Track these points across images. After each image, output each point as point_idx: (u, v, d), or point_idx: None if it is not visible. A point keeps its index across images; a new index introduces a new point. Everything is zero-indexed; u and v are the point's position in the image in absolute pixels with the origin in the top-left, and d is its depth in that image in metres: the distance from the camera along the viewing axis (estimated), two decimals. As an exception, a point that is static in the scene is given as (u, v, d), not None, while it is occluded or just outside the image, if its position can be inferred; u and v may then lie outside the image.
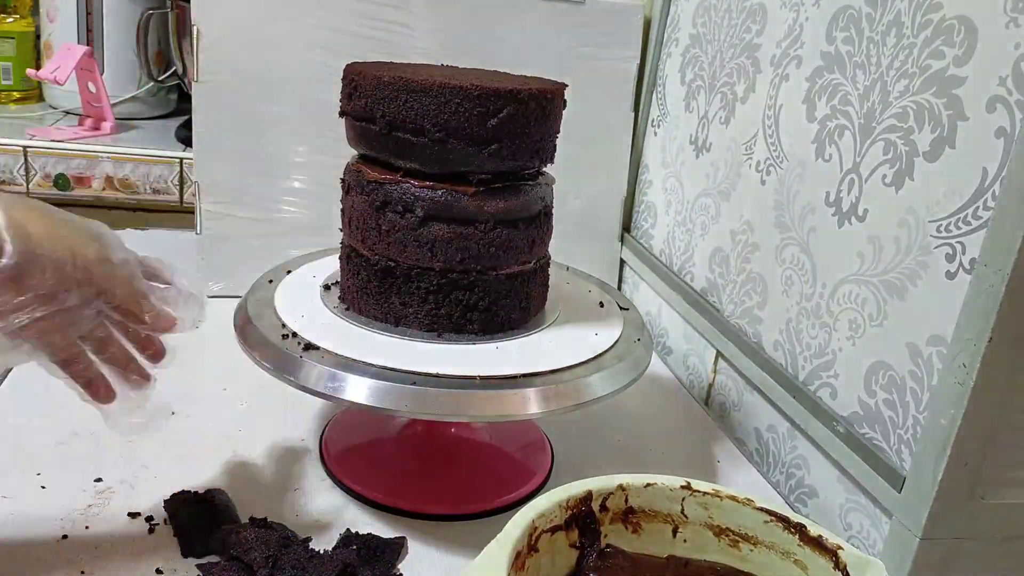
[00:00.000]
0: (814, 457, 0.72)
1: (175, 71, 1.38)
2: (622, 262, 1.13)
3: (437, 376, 0.57)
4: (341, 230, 0.67)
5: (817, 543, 0.49)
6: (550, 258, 0.70)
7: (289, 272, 0.72)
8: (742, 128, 0.85)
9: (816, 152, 0.72)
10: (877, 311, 0.64)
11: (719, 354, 0.88)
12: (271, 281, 0.70)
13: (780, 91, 0.78)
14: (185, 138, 1.29)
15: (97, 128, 1.31)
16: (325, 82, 0.94)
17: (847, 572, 0.47)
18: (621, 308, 0.72)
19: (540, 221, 0.65)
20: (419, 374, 0.57)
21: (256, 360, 0.60)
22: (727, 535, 0.51)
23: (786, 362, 0.75)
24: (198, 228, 0.96)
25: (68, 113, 1.38)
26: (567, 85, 0.65)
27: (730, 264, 0.86)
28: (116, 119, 1.32)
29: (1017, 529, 0.59)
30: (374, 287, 0.63)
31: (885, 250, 0.63)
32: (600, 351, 0.63)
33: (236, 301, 0.67)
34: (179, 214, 1.25)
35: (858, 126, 0.66)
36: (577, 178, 1.03)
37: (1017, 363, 0.53)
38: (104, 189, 1.21)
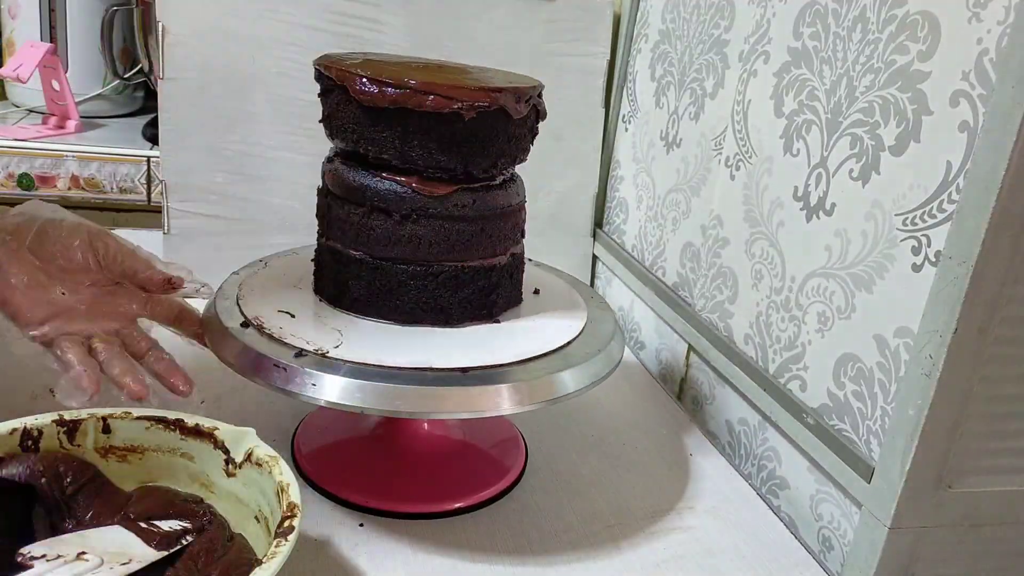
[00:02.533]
0: (785, 449, 0.73)
1: (141, 68, 1.36)
2: (594, 258, 1.13)
3: (403, 370, 0.57)
4: (320, 232, 0.67)
5: (195, 432, 0.56)
6: (523, 253, 0.70)
7: (259, 269, 0.72)
8: (711, 123, 0.85)
9: (784, 147, 0.72)
10: (845, 304, 0.65)
11: (691, 348, 0.88)
12: (239, 279, 0.69)
13: (748, 86, 0.78)
14: (152, 136, 1.28)
15: (62, 127, 1.29)
16: (294, 79, 0.93)
17: (226, 447, 0.55)
18: (593, 303, 0.72)
19: (514, 215, 0.65)
20: (388, 370, 0.57)
21: (220, 357, 0.59)
22: (114, 453, 0.57)
23: (756, 355, 0.76)
24: (165, 227, 0.94)
25: (32, 112, 1.36)
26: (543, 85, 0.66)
27: (701, 259, 0.86)
28: (81, 117, 1.30)
29: (983, 516, 0.60)
30: (349, 283, 0.63)
31: (852, 243, 0.64)
32: (573, 347, 0.63)
33: (205, 301, 0.66)
34: (147, 213, 1.23)
35: (825, 121, 0.67)
36: (548, 174, 1.04)
37: (982, 354, 0.54)
38: (70, 188, 1.20)
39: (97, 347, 0.56)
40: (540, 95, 0.65)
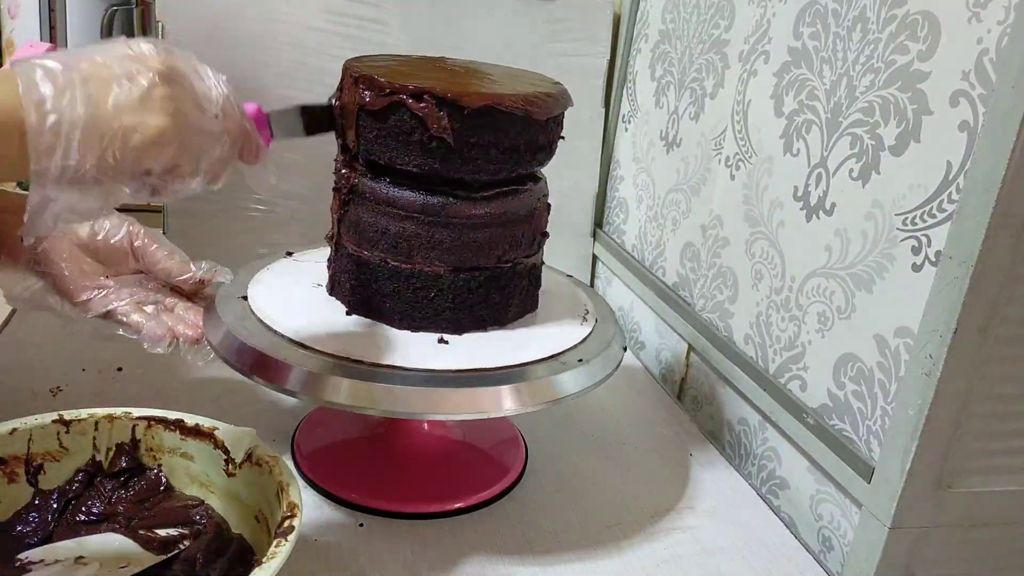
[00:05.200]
0: (785, 449, 0.73)
1: (141, 68, 1.36)
2: (595, 258, 1.13)
3: (405, 370, 0.57)
4: (328, 235, 0.67)
5: (195, 432, 0.56)
6: (536, 258, 0.69)
7: (260, 269, 0.72)
8: (711, 123, 0.85)
9: (784, 147, 0.72)
10: (845, 304, 0.65)
11: (691, 348, 0.88)
12: (241, 279, 0.69)
13: (748, 86, 0.78)
14: (152, 136, 1.27)
15: (61, 126, 1.29)
16: (294, 79, 0.93)
17: (226, 447, 0.55)
18: (594, 304, 0.72)
19: (530, 221, 0.65)
20: (391, 371, 0.57)
21: (221, 356, 0.59)
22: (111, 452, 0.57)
23: (756, 355, 0.76)
24: (165, 227, 0.94)
25: (31, 111, 1.36)
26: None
27: (701, 259, 0.86)
28: (81, 117, 1.30)
29: (983, 517, 0.60)
30: (356, 283, 0.63)
31: (852, 243, 0.64)
32: (573, 347, 0.63)
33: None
34: (146, 213, 1.23)
35: (825, 121, 0.67)
36: (549, 174, 1.03)
37: (982, 354, 0.54)
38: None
39: (147, 309, 0.62)
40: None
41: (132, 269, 0.64)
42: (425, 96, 0.56)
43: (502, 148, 0.59)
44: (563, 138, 0.65)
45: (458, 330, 0.63)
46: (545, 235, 0.68)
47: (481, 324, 0.64)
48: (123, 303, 0.61)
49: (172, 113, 0.43)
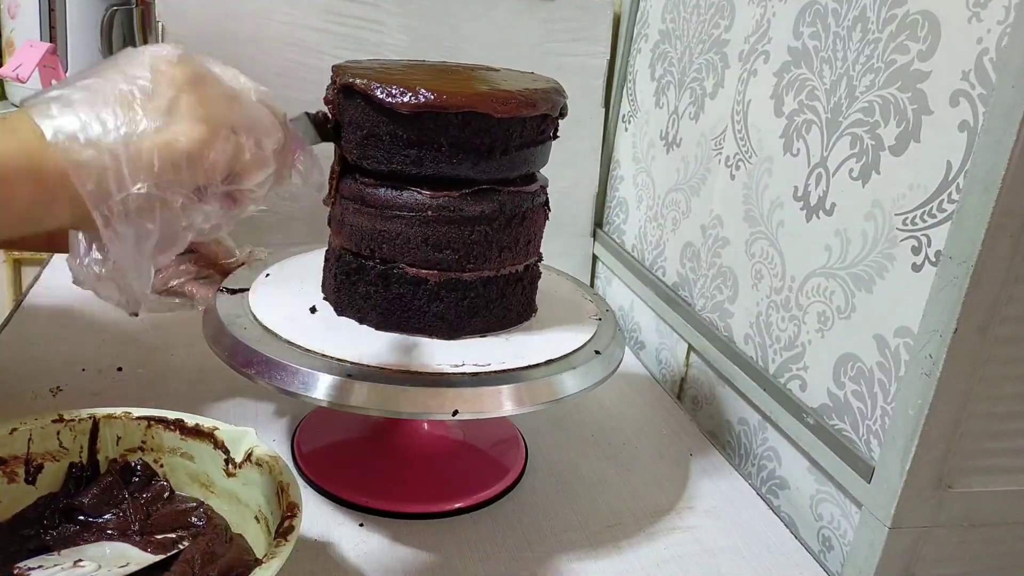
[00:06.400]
0: (785, 449, 0.73)
1: (141, 68, 1.36)
2: (594, 258, 1.13)
3: (406, 372, 0.57)
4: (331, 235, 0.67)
5: (196, 432, 0.56)
6: (537, 261, 0.69)
7: (261, 270, 0.72)
8: (711, 123, 0.85)
9: (784, 147, 0.72)
10: (845, 304, 0.65)
11: (691, 348, 0.88)
12: (243, 278, 0.69)
13: (748, 86, 0.78)
14: (152, 136, 1.27)
15: (61, 126, 1.29)
16: (293, 79, 0.93)
17: (226, 447, 0.55)
18: (593, 304, 0.72)
19: (527, 223, 0.65)
20: (385, 370, 0.57)
21: (220, 356, 0.59)
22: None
23: (756, 355, 0.76)
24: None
25: (31, 111, 1.36)
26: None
27: (701, 258, 0.86)
28: (81, 117, 1.30)
29: (983, 517, 0.60)
30: (352, 286, 0.63)
31: (852, 243, 0.64)
32: (573, 348, 0.63)
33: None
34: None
35: (825, 121, 0.67)
36: (549, 174, 1.03)
37: (982, 354, 0.54)
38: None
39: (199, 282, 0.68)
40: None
41: (184, 249, 0.68)
42: (356, 83, 0.57)
43: (436, 146, 0.58)
44: (545, 142, 0.63)
45: (455, 335, 0.63)
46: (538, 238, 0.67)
47: (479, 328, 0.64)
48: (181, 280, 0.66)
49: (204, 118, 0.42)
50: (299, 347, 0.58)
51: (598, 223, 1.12)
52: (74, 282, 0.45)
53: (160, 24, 0.89)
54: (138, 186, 0.39)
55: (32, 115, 0.38)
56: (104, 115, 0.39)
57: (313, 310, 0.65)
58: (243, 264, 0.70)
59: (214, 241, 0.68)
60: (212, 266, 0.69)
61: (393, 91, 0.56)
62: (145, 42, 1.29)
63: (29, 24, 1.31)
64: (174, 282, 0.66)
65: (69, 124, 0.38)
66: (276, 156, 0.46)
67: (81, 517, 0.55)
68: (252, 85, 0.47)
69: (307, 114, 0.58)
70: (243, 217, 0.47)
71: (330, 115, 0.61)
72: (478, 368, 0.58)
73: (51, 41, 1.31)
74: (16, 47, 1.32)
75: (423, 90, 0.56)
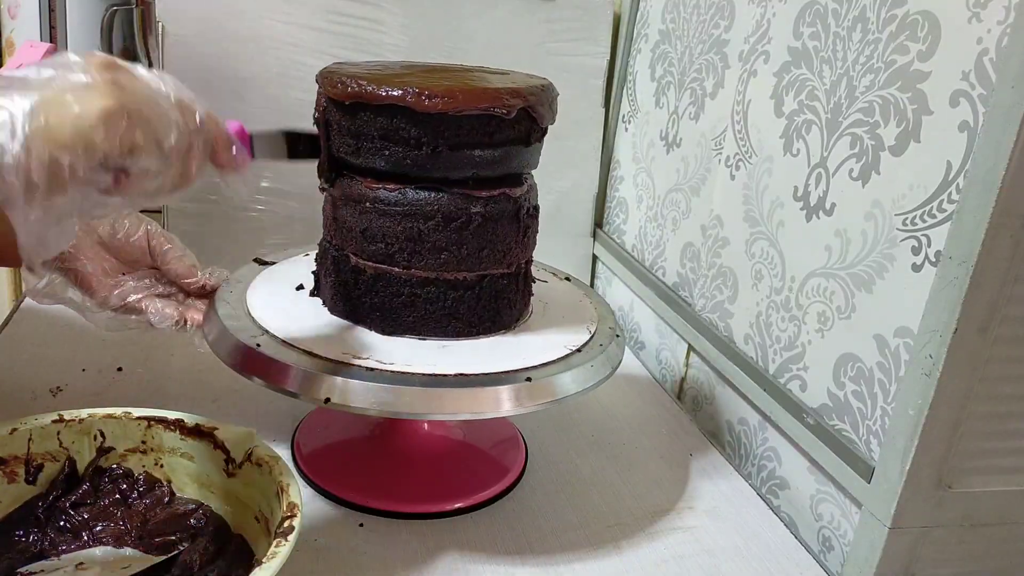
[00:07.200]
0: (785, 449, 0.73)
1: (141, 68, 1.36)
2: (594, 258, 1.13)
3: (405, 374, 0.57)
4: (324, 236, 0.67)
5: (196, 432, 0.56)
6: (531, 260, 0.69)
7: (261, 270, 0.72)
8: (711, 123, 0.85)
9: (784, 147, 0.72)
10: (845, 304, 0.65)
11: (691, 348, 0.88)
12: (239, 281, 0.69)
13: (748, 86, 0.78)
14: (152, 136, 1.27)
15: (61, 126, 1.29)
16: (293, 78, 0.93)
17: (226, 447, 0.55)
18: (594, 304, 0.72)
19: (522, 224, 0.65)
20: (390, 372, 0.56)
21: (220, 356, 0.59)
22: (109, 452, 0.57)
23: (756, 355, 0.76)
24: (165, 228, 0.94)
25: (31, 111, 1.36)
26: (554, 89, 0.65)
27: (701, 259, 0.86)
28: (81, 117, 1.30)
29: (983, 516, 0.60)
30: (362, 292, 0.63)
31: (852, 243, 0.64)
32: (573, 348, 0.63)
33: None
34: (146, 213, 1.23)
35: (825, 121, 0.67)
36: (549, 174, 1.03)
37: (982, 354, 0.54)
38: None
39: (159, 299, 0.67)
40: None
41: (148, 265, 0.68)
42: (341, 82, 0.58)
43: (369, 136, 0.59)
44: (499, 146, 0.60)
45: (453, 335, 0.63)
46: (528, 238, 0.66)
47: (475, 330, 0.63)
48: (139, 296, 0.65)
49: (117, 95, 0.42)
50: (297, 347, 0.58)
51: (598, 223, 1.12)
52: (30, 296, 0.46)
53: (160, 24, 0.89)
54: (46, 158, 0.40)
55: None
56: (10, 94, 0.40)
57: (299, 287, 0.67)
58: (207, 289, 0.68)
59: (176, 259, 0.67)
60: (173, 284, 0.69)
61: (338, 82, 0.58)
62: (145, 42, 1.28)
63: (29, 24, 1.31)
64: (132, 297, 0.65)
65: None
66: (174, 154, 0.46)
67: (80, 520, 0.55)
68: (175, 89, 0.47)
69: (284, 132, 0.58)
70: (137, 206, 0.48)
71: (317, 133, 0.61)
72: (478, 368, 0.58)
73: (51, 41, 1.30)
74: (16, 47, 1.32)
75: (358, 80, 0.57)
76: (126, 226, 0.67)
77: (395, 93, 0.56)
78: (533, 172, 0.67)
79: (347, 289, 0.63)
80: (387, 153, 0.59)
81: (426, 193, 0.60)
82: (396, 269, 0.61)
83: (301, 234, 0.95)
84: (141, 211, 0.69)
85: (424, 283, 0.61)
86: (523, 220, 0.64)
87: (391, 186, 0.60)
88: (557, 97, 0.65)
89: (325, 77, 0.60)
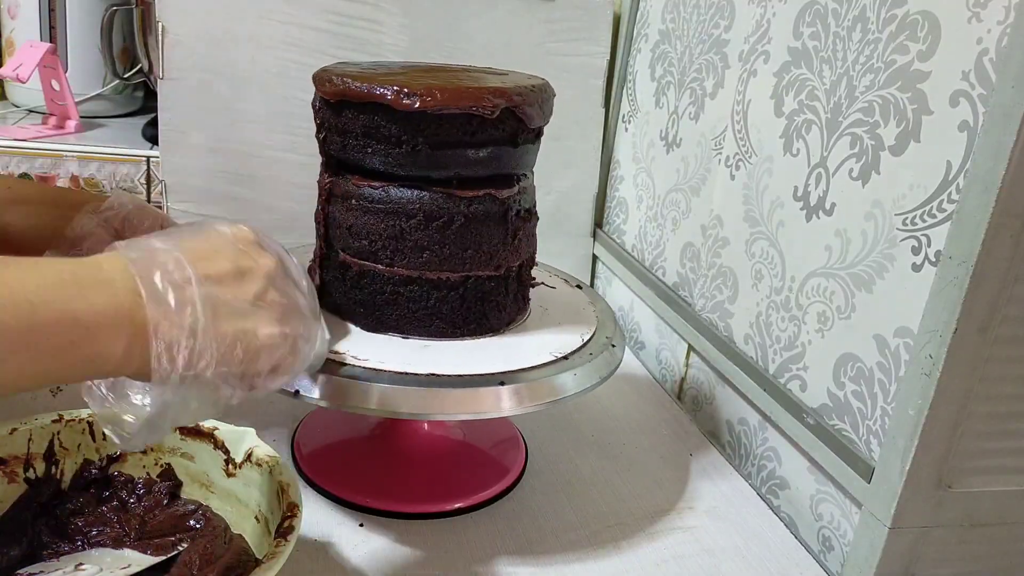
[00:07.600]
0: (785, 449, 0.73)
1: (141, 68, 1.36)
2: (594, 258, 1.13)
3: (406, 374, 0.57)
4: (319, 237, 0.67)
5: (195, 432, 0.56)
6: (531, 259, 0.69)
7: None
8: (711, 123, 0.85)
9: (784, 147, 0.72)
10: (845, 304, 0.65)
11: (691, 348, 0.88)
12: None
13: (748, 86, 0.78)
14: (152, 136, 1.27)
15: (62, 127, 1.29)
16: (293, 79, 0.93)
17: (226, 447, 0.55)
18: (596, 312, 0.72)
19: (510, 226, 0.64)
20: (388, 372, 0.56)
21: None
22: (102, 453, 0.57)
23: (756, 355, 0.76)
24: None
25: (31, 112, 1.36)
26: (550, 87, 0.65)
27: (701, 259, 0.86)
28: (81, 117, 1.30)
29: (983, 516, 0.60)
30: (348, 288, 0.63)
31: (852, 243, 0.64)
32: (573, 348, 0.63)
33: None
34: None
35: (825, 121, 0.67)
36: (549, 174, 1.03)
37: (982, 354, 0.54)
38: (69, 188, 1.19)
39: None
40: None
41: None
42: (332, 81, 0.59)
43: (353, 134, 0.59)
44: (481, 146, 0.60)
45: (437, 335, 0.63)
46: (518, 241, 0.65)
47: (460, 331, 0.63)
48: None
49: (280, 318, 0.44)
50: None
51: (598, 223, 1.12)
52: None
53: (160, 24, 0.89)
54: (210, 371, 0.41)
55: (135, 273, 0.39)
56: (196, 292, 0.40)
57: None
58: None
59: None
60: None
61: (327, 80, 0.59)
62: (145, 42, 1.28)
63: (29, 24, 1.31)
64: None
65: (169, 294, 0.39)
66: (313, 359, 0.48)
67: (79, 522, 0.55)
68: (308, 280, 0.48)
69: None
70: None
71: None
72: (477, 368, 0.58)
73: (51, 41, 1.30)
74: (16, 47, 1.32)
75: (343, 78, 0.58)
76: (144, 223, 0.66)
77: (376, 91, 0.56)
78: (529, 174, 0.66)
79: (335, 285, 0.63)
80: (370, 151, 0.59)
81: (409, 191, 0.60)
82: (379, 266, 0.61)
83: (303, 235, 0.95)
84: (148, 203, 0.69)
85: (407, 281, 0.61)
86: (511, 222, 0.63)
87: (376, 183, 0.60)
88: (552, 97, 0.64)
89: (318, 75, 0.61)
